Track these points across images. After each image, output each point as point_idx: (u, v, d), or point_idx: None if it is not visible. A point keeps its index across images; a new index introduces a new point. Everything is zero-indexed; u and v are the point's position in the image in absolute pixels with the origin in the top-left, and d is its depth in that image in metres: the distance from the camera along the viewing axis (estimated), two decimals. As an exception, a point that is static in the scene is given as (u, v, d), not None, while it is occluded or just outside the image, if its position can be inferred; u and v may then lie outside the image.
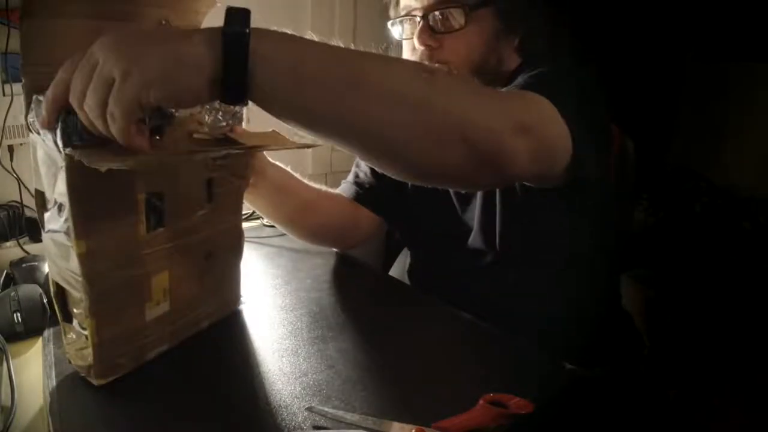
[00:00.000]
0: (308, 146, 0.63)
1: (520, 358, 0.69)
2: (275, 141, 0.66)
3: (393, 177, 0.59)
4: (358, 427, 0.53)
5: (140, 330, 0.63)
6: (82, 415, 0.57)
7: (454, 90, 0.54)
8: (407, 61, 0.56)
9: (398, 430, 0.52)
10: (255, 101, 0.48)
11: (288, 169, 0.91)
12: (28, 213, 1.04)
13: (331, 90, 0.48)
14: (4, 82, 0.99)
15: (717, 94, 2.04)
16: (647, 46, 1.91)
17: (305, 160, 1.49)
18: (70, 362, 0.62)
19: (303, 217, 0.95)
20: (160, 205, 0.62)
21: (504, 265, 0.87)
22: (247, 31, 0.45)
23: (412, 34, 0.82)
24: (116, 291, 0.59)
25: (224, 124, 0.63)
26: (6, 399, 0.58)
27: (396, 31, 0.87)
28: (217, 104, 0.61)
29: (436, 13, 0.79)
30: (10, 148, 1.03)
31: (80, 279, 0.55)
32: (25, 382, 0.62)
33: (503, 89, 0.65)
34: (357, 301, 0.84)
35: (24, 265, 0.83)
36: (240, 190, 0.76)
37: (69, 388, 0.60)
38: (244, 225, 1.20)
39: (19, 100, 0.98)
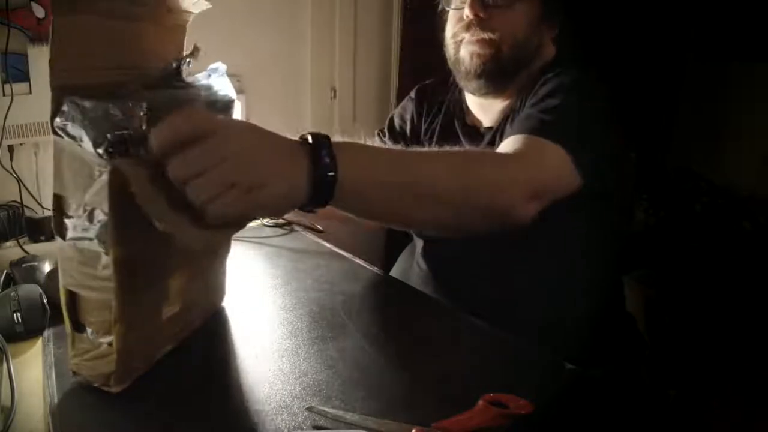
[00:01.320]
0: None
1: (520, 358, 0.69)
2: None
3: None
4: (358, 427, 0.53)
5: (157, 332, 0.63)
6: (82, 415, 0.57)
7: (477, 176, 0.67)
8: (444, 156, 0.71)
9: (398, 430, 0.52)
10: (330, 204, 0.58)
11: None
12: (28, 213, 1.04)
13: (386, 200, 0.62)
14: (4, 82, 0.99)
15: (717, 94, 2.04)
16: (647, 47, 1.91)
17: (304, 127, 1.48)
18: (74, 374, 0.60)
19: None
20: None
21: (508, 264, 0.87)
22: (334, 173, 0.54)
23: (463, 4, 0.86)
24: (143, 294, 0.59)
25: None
26: (6, 399, 0.58)
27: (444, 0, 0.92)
28: None
29: None
30: (10, 148, 1.03)
31: (112, 285, 0.54)
32: (25, 382, 0.62)
33: (518, 140, 0.74)
34: (357, 301, 0.84)
35: (24, 265, 0.83)
36: None
37: (69, 388, 0.60)
38: (244, 225, 1.21)
39: (19, 100, 0.98)
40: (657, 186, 1.86)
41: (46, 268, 0.83)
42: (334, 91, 1.62)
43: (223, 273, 0.78)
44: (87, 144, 0.50)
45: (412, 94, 1.07)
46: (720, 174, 1.92)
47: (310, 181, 0.53)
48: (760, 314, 1.43)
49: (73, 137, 0.50)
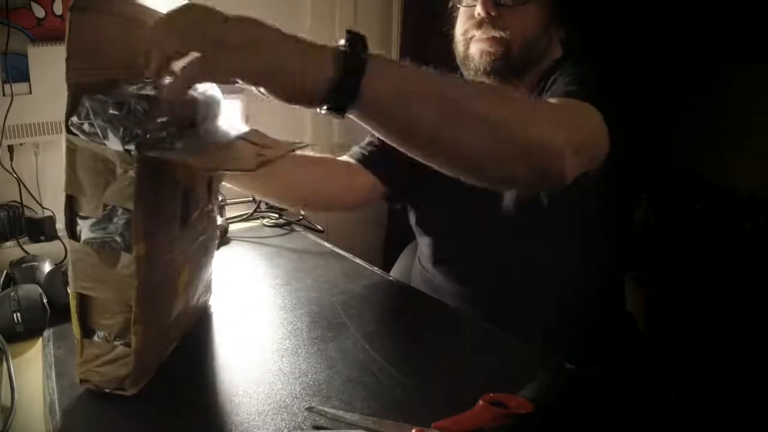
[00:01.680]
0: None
1: (520, 358, 0.69)
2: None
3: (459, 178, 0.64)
4: (358, 427, 0.53)
5: (167, 331, 0.63)
6: (82, 414, 0.57)
7: (522, 111, 0.62)
8: (489, 85, 0.70)
9: (398, 430, 0.52)
10: (358, 112, 0.54)
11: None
12: (28, 213, 1.04)
13: (422, 108, 0.56)
14: (4, 82, 0.98)
15: (717, 94, 2.04)
16: (647, 47, 1.91)
17: (304, 131, 1.48)
18: (83, 382, 0.58)
19: (288, 189, 0.95)
20: (187, 203, 0.63)
21: (508, 264, 0.87)
22: (365, 55, 0.52)
23: (474, 1, 0.87)
24: (158, 291, 0.59)
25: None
26: (6, 399, 0.58)
27: None
28: None
29: None
30: (10, 148, 1.03)
31: (135, 283, 0.54)
32: (25, 382, 0.62)
33: (554, 99, 0.71)
34: (357, 301, 0.84)
35: (24, 265, 0.83)
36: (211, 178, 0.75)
37: (69, 388, 0.60)
38: (244, 225, 1.21)
39: (19, 100, 0.98)
40: (657, 186, 1.86)
41: (46, 268, 0.83)
42: (334, 91, 1.62)
43: (210, 269, 0.79)
44: (113, 141, 0.49)
45: None
46: (720, 174, 1.92)
47: (338, 62, 0.51)
48: (760, 314, 1.42)
49: (91, 135, 0.50)
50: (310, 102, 0.53)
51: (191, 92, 0.60)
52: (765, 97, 1.88)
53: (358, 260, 1.00)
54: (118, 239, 0.52)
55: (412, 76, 0.57)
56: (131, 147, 0.49)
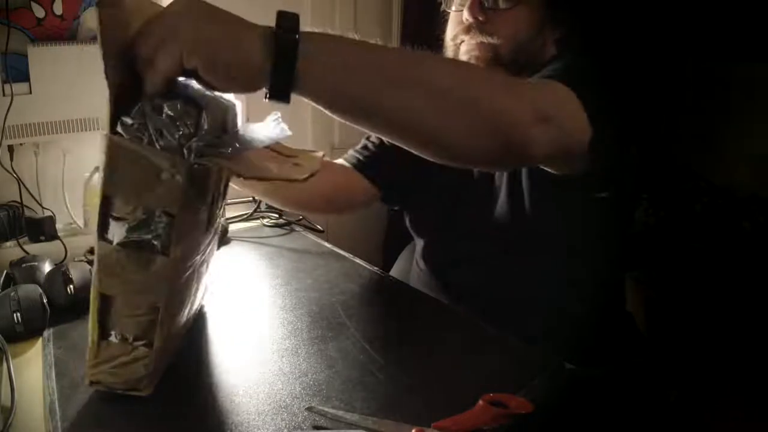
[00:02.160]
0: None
1: (520, 358, 0.69)
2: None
3: (428, 159, 0.62)
4: (358, 427, 0.53)
5: (178, 331, 0.64)
6: (82, 414, 0.57)
7: (484, 82, 0.60)
8: (442, 56, 0.67)
9: (398, 430, 0.52)
10: (302, 94, 0.52)
11: None
12: (28, 213, 1.04)
13: (371, 83, 0.54)
14: (4, 82, 0.99)
15: (717, 94, 2.04)
16: (648, 47, 1.91)
17: (305, 137, 1.48)
18: (93, 383, 0.57)
19: (288, 191, 0.95)
20: (211, 207, 0.64)
21: (507, 264, 0.87)
22: (297, 36, 0.49)
23: (462, 6, 0.85)
24: (178, 293, 0.60)
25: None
26: (6, 399, 0.58)
27: (445, 1, 0.91)
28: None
29: None
30: (10, 148, 1.03)
31: (166, 285, 0.53)
32: (25, 382, 0.62)
33: (529, 79, 0.69)
34: (357, 301, 0.84)
35: (24, 265, 0.83)
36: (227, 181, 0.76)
37: (69, 388, 0.60)
38: (244, 225, 1.21)
39: (19, 100, 0.98)
40: (657, 186, 1.86)
41: (46, 268, 0.83)
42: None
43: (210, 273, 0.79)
44: (167, 145, 0.49)
45: None
46: (720, 174, 1.92)
47: (267, 45, 0.49)
48: (760, 314, 1.42)
49: (139, 137, 0.49)
50: (250, 87, 0.52)
51: (223, 99, 0.60)
52: (765, 97, 1.88)
53: (358, 260, 1.00)
54: (156, 243, 0.52)
55: (354, 51, 0.54)
56: (187, 153, 0.49)
